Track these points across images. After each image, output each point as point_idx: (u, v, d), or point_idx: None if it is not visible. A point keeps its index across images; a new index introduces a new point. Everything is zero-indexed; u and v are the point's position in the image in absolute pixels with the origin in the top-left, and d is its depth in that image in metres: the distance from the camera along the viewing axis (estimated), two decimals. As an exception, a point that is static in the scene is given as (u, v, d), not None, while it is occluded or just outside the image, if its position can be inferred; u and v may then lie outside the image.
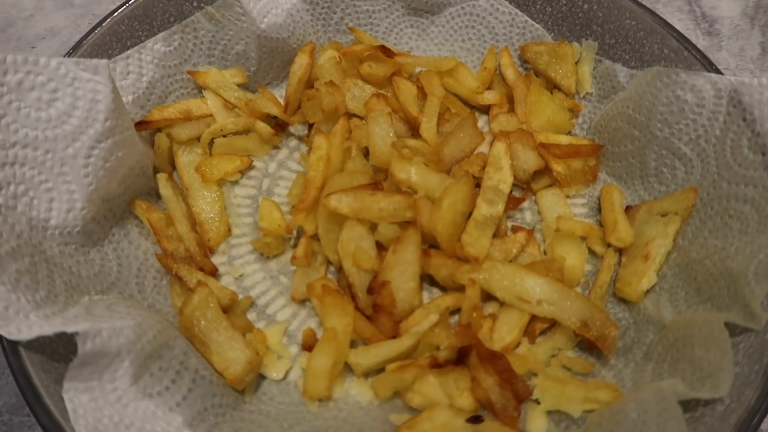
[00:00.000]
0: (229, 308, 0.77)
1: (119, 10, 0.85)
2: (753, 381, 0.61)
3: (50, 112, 0.68)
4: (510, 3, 0.97)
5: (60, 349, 0.62)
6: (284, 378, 0.75)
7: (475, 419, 0.65)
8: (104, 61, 0.71)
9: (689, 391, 0.61)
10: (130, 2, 0.86)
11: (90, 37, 0.83)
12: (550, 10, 0.96)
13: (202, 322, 0.70)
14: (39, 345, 0.60)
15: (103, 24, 0.84)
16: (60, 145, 0.69)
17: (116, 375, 0.60)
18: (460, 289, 0.77)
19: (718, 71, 0.81)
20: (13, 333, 0.58)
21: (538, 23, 0.97)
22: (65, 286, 0.67)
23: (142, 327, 0.62)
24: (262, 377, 0.75)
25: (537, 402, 0.71)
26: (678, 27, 0.86)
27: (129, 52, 0.85)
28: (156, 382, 0.63)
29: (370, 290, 0.75)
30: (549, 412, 0.71)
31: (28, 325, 0.58)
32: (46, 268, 0.66)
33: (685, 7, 1.21)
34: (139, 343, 0.61)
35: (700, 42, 1.15)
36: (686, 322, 0.70)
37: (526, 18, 0.97)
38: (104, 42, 0.84)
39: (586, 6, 0.93)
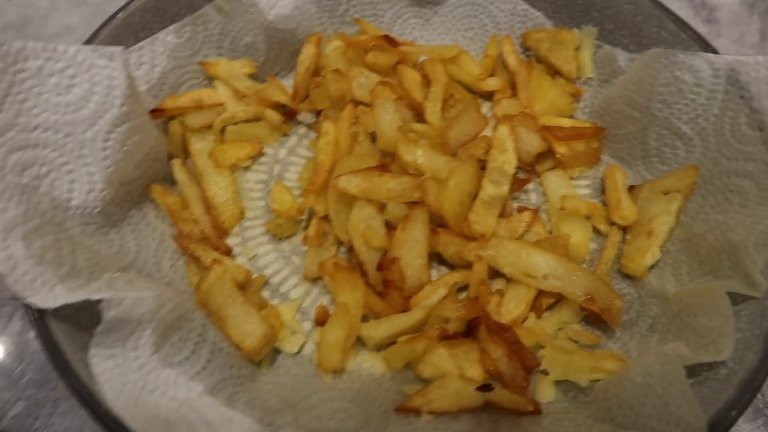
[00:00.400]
0: (244, 286, 0.79)
1: (132, 2, 0.87)
2: (754, 344, 0.63)
3: (69, 97, 0.70)
4: (510, -8, 0.99)
5: (84, 320, 0.64)
6: (299, 352, 0.76)
7: (485, 387, 0.67)
8: (119, 49, 0.73)
9: (693, 356, 0.63)
10: (143, -6, 0.88)
11: (105, 28, 0.84)
12: (550, -3, 0.98)
13: (218, 298, 0.71)
14: (64, 316, 0.62)
15: (117, 15, 0.86)
16: (79, 129, 0.71)
17: (139, 343, 0.62)
18: (468, 266, 0.78)
19: (715, 52, 0.82)
20: (40, 302, 0.60)
21: (538, 11, 0.99)
22: (87, 263, 0.69)
23: (162, 299, 0.64)
24: (277, 352, 0.76)
25: (545, 373, 0.72)
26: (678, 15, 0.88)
27: (142, 43, 0.86)
28: (176, 351, 0.65)
29: (380, 267, 0.76)
30: (557, 382, 0.72)
31: (54, 295, 0.61)
32: (68, 245, 0.68)
33: (685, -6, 1.23)
34: (160, 314, 0.63)
35: (700, 29, 1.16)
36: (689, 293, 0.72)
37: (527, 6, 0.99)
38: (118, 34, 0.85)
39: (584, -8, 0.95)
